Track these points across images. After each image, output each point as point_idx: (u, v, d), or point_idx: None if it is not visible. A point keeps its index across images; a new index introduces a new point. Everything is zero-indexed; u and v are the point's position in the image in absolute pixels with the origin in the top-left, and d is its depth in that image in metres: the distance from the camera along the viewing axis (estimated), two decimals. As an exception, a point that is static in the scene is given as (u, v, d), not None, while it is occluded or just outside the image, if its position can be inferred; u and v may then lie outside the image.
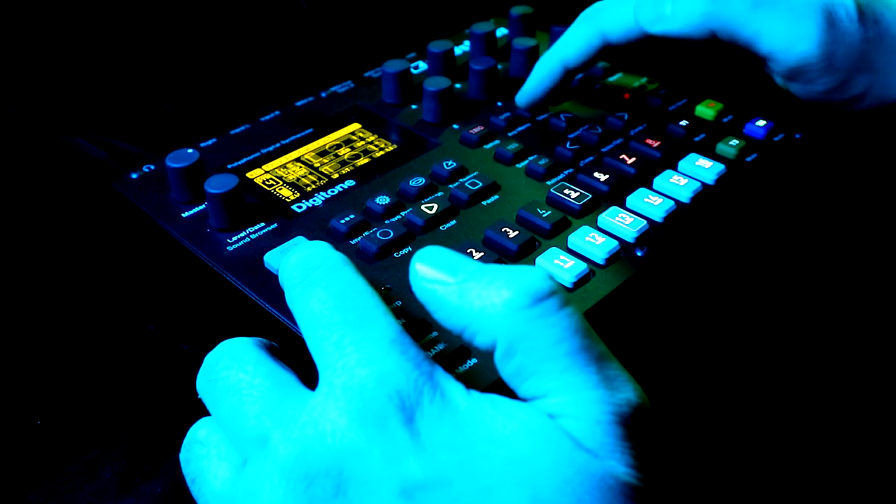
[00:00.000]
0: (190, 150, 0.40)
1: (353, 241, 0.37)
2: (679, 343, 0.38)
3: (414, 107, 0.48)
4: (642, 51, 0.45)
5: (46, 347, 0.37)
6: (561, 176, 0.41)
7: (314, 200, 0.40)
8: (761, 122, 0.44)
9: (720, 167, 0.41)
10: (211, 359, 0.27)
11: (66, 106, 0.52)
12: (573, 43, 0.44)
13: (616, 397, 0.22)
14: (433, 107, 0.45)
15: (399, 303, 0.33)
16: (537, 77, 0.46)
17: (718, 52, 0.50)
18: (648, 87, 0.49)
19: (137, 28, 0.56)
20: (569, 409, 0.22)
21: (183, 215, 0.39)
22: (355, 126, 0.46)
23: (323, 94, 0.50)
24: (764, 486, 0.32)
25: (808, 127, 0.44)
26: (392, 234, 0.36)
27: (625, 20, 0.42)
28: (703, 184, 0.40)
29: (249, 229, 0.38)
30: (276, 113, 0.48)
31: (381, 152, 0.44)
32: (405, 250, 0.36)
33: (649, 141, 0.43)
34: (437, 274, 0.25)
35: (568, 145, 0.43)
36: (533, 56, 0.50)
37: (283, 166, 0.43)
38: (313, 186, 0.41)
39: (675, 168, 0.41)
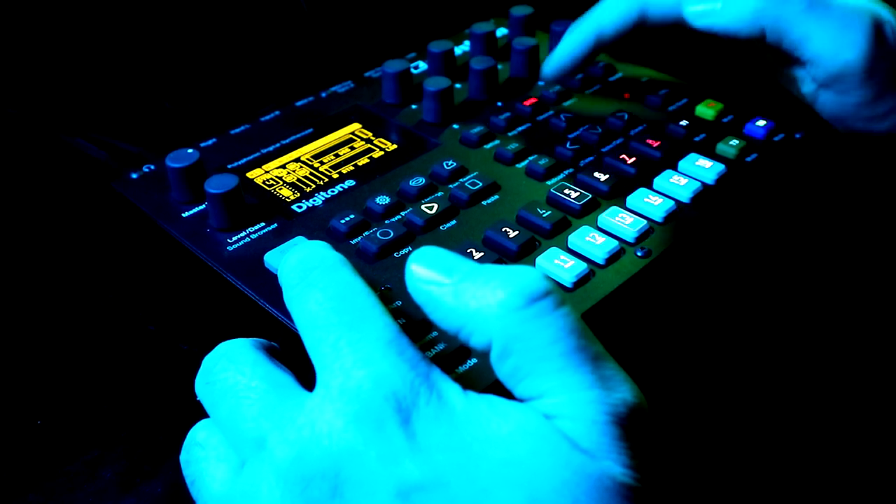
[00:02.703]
0: (190, 150, 0.40)
1: (353, 241, 0.37)
2: (679, 343, 0.38)
3: (414, 107, 0.48)
4: (663, 44, 0.45)
5: (46, 347, 0.37)
6: (561, 176, 0.41)
7: (314, 200, 0.40)
8: (761, 122, 0.44)
9: (720, 167, 0.40)
10: (209, 361, 0.27)
11: (66, 106, 0.52)
12: (611, 12, 0.43)
13: (612, 397, 0.22)
14: (433, 107, 0.45)
15: (399, 303, 0.33)
16: (568, 46, 0.45)
17: (720, 52, 0.50)
18: (655, 77, 0.49)
19: (137, 28, 0.56)
20: (565, 409, 0.22)
21: (183, 215, 0.39)
22: (355, 126, 0.46)
23: (323, 94, 0.50)
24: (762, 486, 0.32)
25: (808, 127, 0.44)
26: (392, 234, 0.36)
27: (669, 2, 0.42)
28: (704, 184, 0.40)
29: (249, 229, 0.38)
30: (276, 113, 0.48)
31: (381, 152, 0.44)
32: (405, 250, 0.36)
33: (649, 141, 0.43)
34: (432, 275, 0.25)
35: (568, 145, 0.43)
36: (533, 56, 0.50)
37: (283, 166, 0.43)
38: (313, 186, 0.41)
39: (675, 168, 0.41)
